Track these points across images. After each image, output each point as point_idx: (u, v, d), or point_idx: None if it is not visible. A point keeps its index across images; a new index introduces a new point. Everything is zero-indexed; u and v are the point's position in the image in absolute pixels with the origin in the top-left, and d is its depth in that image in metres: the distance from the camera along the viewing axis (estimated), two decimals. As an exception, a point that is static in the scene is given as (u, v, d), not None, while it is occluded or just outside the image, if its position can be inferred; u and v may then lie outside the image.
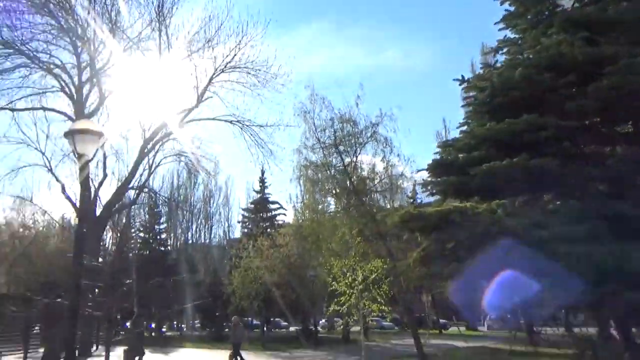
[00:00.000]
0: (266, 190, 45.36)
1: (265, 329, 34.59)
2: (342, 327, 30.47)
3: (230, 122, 18.94)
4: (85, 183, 14.78)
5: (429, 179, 10.27)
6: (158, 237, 42.15)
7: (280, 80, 18.89)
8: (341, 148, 18.29)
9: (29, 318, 22.59)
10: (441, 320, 42.17)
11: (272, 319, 38.06)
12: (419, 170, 10.53)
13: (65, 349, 8.18)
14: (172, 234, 50.96)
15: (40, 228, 31.30)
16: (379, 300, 17.88)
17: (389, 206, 24.30)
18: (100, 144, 8.14)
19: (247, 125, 19.01)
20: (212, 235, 56.70)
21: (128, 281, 15.51)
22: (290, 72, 19.82)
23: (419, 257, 9.05)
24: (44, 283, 27.99)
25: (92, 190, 15.39)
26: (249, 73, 18.67)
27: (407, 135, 29.76)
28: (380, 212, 18.93)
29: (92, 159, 12.60)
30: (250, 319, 38.28)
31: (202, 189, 55.77)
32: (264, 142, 19.09)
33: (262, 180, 45.02)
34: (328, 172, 19.21)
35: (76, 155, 7.54)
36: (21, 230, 33.42)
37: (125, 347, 15.17)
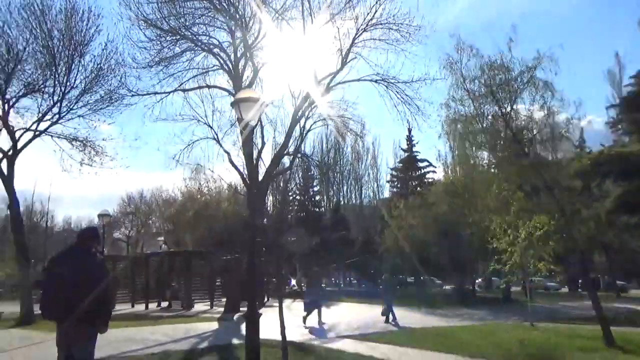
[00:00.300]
0: (414, 149, 44.73)
1: (419, 286, 34.78)
2: (502, 286, 28.98)
3: (375, 81, 18.50)
4: (249, 149, 16.04)
5: (619, 117, 8.71)
6: (313, 199, 44.88)
7: (424, 32, 17.74)
8: (497, 96, 16.93)
9: (212, 271, 26.13)
10: (618, 282, 37.60)
11: (426, 277, 38.06)
12: (610, 105, 8.98)
13: (248, 299, 9.03)
14: (325, 196, 53.72)
15: (213, 194, 35.43)
16: (546, 258, 16.48)
17: (550, 157, 22.08)
18: (260, 109, 8.59)
19: (392, 83, 18.36)
20: (363, 196, 58.34)
21: (292, 239, 16.73)
22: (433, 21, 18.58)
23: (614, 206, 7.81)
24: (219, 242, 31.89)
25: (254, 156, 16.63)
26: (391, 28, 17.87)
27: (571, 76, 26.34)
28: (543, 163, 17.25)
29: (255, 125, 13.58)
30: (403, 276, 38.80)
31: (350, 151, 57.31)
32: (410, 99, 18.30)
33: (409, 139, 44.40)
34: (480, 124, 17.97)
35: (240, 123, 8.16)
36: (198, 196, 38.31)
37: (306, 300, 16.74)
